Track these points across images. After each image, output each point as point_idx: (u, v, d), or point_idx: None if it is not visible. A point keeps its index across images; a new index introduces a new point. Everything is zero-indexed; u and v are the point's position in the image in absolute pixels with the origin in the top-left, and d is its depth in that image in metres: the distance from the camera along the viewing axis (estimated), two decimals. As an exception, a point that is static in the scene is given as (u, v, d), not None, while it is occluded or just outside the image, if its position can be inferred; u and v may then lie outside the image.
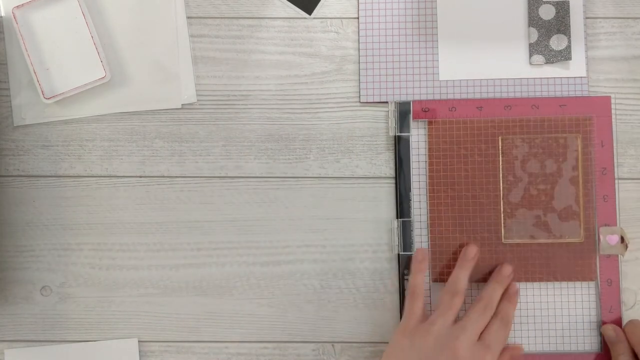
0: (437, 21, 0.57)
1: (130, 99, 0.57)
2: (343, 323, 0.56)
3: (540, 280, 0.55)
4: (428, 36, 0.57)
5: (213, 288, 0.57)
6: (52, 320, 0.57)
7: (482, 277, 0.55)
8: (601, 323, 0.55)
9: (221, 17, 0.58)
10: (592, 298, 0.55)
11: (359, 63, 0.57)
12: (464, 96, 0.57)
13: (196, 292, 0.57)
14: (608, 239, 0.55)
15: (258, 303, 0.56)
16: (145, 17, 0.57)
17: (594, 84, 0.57)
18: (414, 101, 0.56)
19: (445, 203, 0.56)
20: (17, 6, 0.56)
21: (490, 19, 0.57)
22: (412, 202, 0.56)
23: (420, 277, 0.53)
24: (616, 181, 0.56)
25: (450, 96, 0.57)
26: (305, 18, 0.58)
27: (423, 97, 0.57)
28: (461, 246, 0.55)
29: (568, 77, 0.57)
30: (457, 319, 0.50)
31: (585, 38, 0.57)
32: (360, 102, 0.57)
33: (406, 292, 0.53)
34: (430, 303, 0.56)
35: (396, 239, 0.56)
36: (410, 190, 0.56)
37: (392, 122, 0.56)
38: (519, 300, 0.55)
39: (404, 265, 0.56)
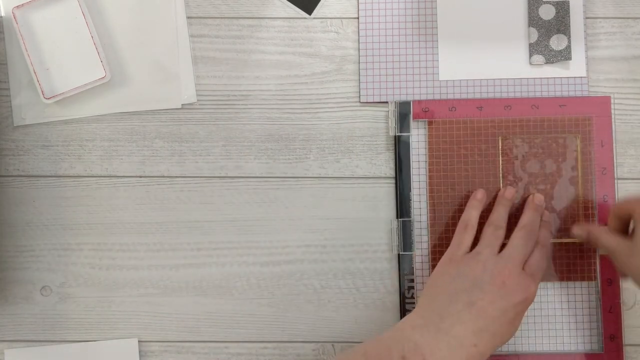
0: (437, 21, 0.57)
1: (130, 99, 0.57)
2: (343, 323, 0.56)
3: (541, 280, 0.55)
4: (428, 36, 0.57)
5: (213, 288, 0.57)
6: (52, 320, 0.57)
7: None
8: (601, 323, 0.55)
9: (221, 17, 0.58)
10: (592, 298, 0.55)
11: (359, 63, 0.57)
12: (464, 96, 0.57)
13: (196, 292, 0.57)
14: (608, 239, 0.55)
15: (258, 303, 0.56)
16: (145, 17, 0.57)
17: (594, 84, 0.57)
18: (414, 101, 0.56)
19: (445, 203, 0.56)
20: (17, 6, 0.56)
21: (490, 19, 0.57)
22: (412, 202, 0.56)
23: (475, 213, 0.53)
24: (616, 181, 0.56)
25: (450, 96, 0.57)
26: (305, 18, 0.58)
27: (423, 97, 0.57)
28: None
29: (568, 77, 0.57)
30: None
31: (585, 38, 0.57)
32: (360, 102, 0.57)
33: (457, 226, 0.53)
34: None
35: (396, 239, 0.56)
36: (410, 190, 0.56)
37: (392, 122, 0.56)
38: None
39: (404, 265, 0.56)
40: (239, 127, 0.57)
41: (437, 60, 0.57)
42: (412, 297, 0.56)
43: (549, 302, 0.55)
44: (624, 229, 0.51)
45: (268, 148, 0.57)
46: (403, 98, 0.57)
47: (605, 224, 0.54)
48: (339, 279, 0.56)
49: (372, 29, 0.57)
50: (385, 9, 0.57)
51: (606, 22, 0.57)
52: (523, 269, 0.49)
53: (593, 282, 0.55)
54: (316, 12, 0.58)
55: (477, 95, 0.57)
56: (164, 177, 0.57)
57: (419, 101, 0.56)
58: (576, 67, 0.57)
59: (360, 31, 0.57)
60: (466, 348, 0.46)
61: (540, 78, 0.57)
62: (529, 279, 0.48)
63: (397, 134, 0.56)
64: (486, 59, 0.57)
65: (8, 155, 0.57)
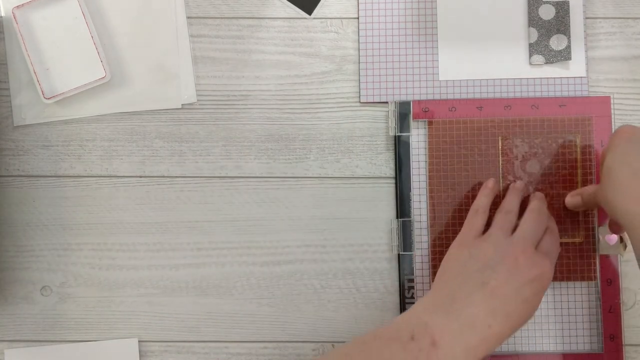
0: (437, 21, 0.57)
1: (130, 99, 0.57)
2: (343, 323, 0.56)
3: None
4: (428, 36, 0.57)
5: (213, 288, 0.57)
6: (52, 320, 0.57)
7: None
8: (601, 323, 0.55)
9: (221, 17, 0.58)
10: (592, 298, 0.55)
11: (359, 63, 0.57)
12: (464, 96, 0.57)
13: (196, 292, 0.57)
14: (607, 239, 0.55)
15: (258, 303, 0.56)
16: (145, 17, 0.57)
17: (593, 84, 0.57)
18: (414, 101, 0.56)
19: (445, 203, 0.56)
20: (17, 6, 0.56)
21: (490, 19, 0.57)
22: (412, 202, 0.56)
23: (486, 200, 0.53)
24: (616, 181, 0.56)
25: (450, 96, 0.57)
26: (305, 18, 0.58)
27: (423, 97, 0.57)
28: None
29: (568, 77, 0.57)
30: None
31: (585, 38, 0.57)
32: (360, 102, 0.57)
33: (469, 212, 0.52)
34: (430, 303, 0.55)
35: (396, 239, 0.56)
36: (410, 190, 0.56)
37: (392, 122, 0.56)
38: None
39: (404, 265, 0.56)
40: (239, 127, 0.57)
41: (437, 60, 0.57)
42: (412, 297, 0.56)
43: (548, 302, 0.55)
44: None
45: (268, 148, 0.57)
46: (403, 98, 0.57)
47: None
48: (339, 279, 0.56)
49: (372, 29, 0.57)
50: (385, 9, 0.57)
51: (606, 22, 0.57)
52: (536, 249, 0.48)
53: (593, 282, 0.55)
54: (316, 12, 0.58)
55: (477, 95, 0.57)
56: (164, 177, 0.57)
57: (419, 101, 0.56)
58: (576, 67, 0.57)
59: (360, 31, 0.57)
60: (479, 329, 0.44)
61: (540, 78, 0.57)
62: (542, 256, 0.47)
63: (397, 134, 0.56)
64: (486, 59, 0.57)
65: (8, 155, 0.57)
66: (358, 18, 0.57)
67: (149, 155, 0.57)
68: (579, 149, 0.55)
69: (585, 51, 0.57)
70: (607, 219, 0.55)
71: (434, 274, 0.55)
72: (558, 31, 0.56)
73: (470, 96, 0.57)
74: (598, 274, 0.55)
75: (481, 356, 0.45)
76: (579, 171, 0.55)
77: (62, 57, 0.56)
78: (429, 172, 0.56)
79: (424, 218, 0.56)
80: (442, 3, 0.57)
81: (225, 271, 0.57)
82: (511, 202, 0.52)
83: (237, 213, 0.57)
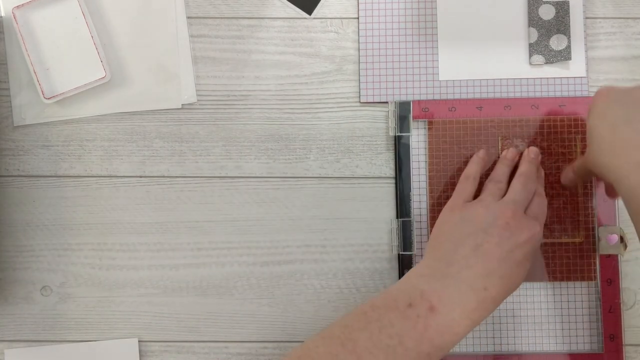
0: (437, 21, 0.57)
1: (130, 99, 0.57)
2: (343, 323, 0.56)
3: (540, 280, 0.55)
4: (428, 36, 0.57)
5: (213, 288, 0.57)
6: (52, 320, 0.57)
7: None
8: (601, 323, 0.55)
9: (221, 17, 0.58)
10: (592, 298, 0.55)
11: (359, 63, 0.57)
12: (464, 96, 0.57)
13: (196, 292, 0.57)
14: (607, 238, 0.55)
15: (258, 303, 0.56)
16: (145, 17, 0.57)
17: (593, 84, 0.57)
18: (413, 101, 0.56)
19: (445, 203, 0.56)
20: (17, 6, 0.56)
21: (490, 19, 0.57)
22: (412, 202, 0.56)
23: (477, 167, 0.53)
24: (616, 181, 0.56)
25: (450, 96, 0.57)
26: (305, 18, 0.58)
27: (423, 97, 0.57)
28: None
29: (568, 77, 0.57)
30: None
31: (585, 38, 0.57)
32: (360, 102, 0.57)
33: (460, 179, 0.53)
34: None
35: (396, 239, 0.56)
36: (410, 190, 0.56)
37: (392, 122, 0.56)
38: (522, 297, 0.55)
39: (404, 265, 0.56)
40: (239, 127, 0.57)
41: (437, 60, 0.57)
42: (412, 297, 0.56)
43: (549, 302, 0.55)
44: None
45: (268, 148, 0.57)
46: (403, 98, 0.57)
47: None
48: (339, 279, 0.56)
49: (372, 29, 0.57)
50: (385, 9, 0.57)
51: (606, 22, 0.57)
52: (525, 213, 0.49)
53: (593, 282, 0.55)
54: (316, 12, 0.58)
55: (477, 95, 0.57)
56: (164, 177, 0.57)
57: (419, 101, 0.56)
58: (576, 67, 0.57)
59: (360, 31, 0.57)
60: (476, 292, 0.44)
61: (540, 78, 0.57)
62: (532, 219, 0.48)
63: (397, 134, 0.56)
64: (486, 59, 0.57)
65: (8, 155, 0.57)
66: (358, 18, 0.57)
67: (149, 155, 0.57)
68: (579, 149, 0.55)
69: (585, 51, 0.57)
70: (607, 219, 0.55)
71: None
72: (558, 31, 0.56)
73: (470, 96, 0.57)
74: (598, 274, 0.55)
75: (479, 320, 0.45)
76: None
77: (62, 57, 0.56)
78: (429, 172, 0.56)
79: (424, 218, 0.56)
80: (442, 3, 0.57)
81: (225, 271, 0.57)
82: (501, 172, 0.53)
83: (237, 213, 0.57)
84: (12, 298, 0.57)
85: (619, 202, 0.55)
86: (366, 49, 0.57)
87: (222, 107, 0.57)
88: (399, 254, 0.56)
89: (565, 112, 0.56)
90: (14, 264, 0.57)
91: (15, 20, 0.55)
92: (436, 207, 0.56)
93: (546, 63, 0.57)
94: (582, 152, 0.55)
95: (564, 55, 0.56)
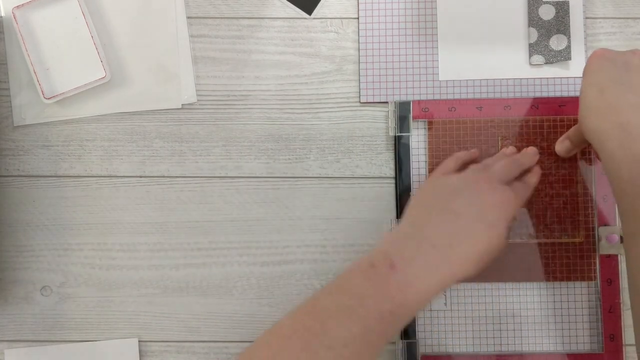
0: (437, 21, 0.57)
1: (130, 99, 0.57)
2: (343, 323, 0.56)
3: (540, 280, 0.55)
4: (428, 36, 0.57)
5: (213, 288, 0.57)
6: (52, 320, 0.57)
7: (487, 277, 0.55)
8: (601, 323, 0.55)
9: (221, 17, 0.58)
10: (592, 298, 0.55)
11: (359, 63, 0.57)
12: (464, 96, 0.57)
13: (196, 292, 0.57)
14: (608, 238, 0.55)
15: (258, 303, 0.56)
16: (145, 17, 0.57)
17: (593, 84, 0.57)
18: (413, 101, 0.56)
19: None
20: (17, 6, 0.56)
21: (490, 19, 0.57)
22: (412, 202, 0.56)
23: (466, 155, 0.53)
24: (616, 181, 0.56)
25: (450, 96, 0.57)
26: (305, 18, 0.58)
27: (423, 97, 0.57)
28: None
29: (568, 77, 0.57)
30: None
31: (585, 38, 0.57)
32: (360, 102, 0.57)
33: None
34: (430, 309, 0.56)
35: (396, 239, 0.56)
36: (410, 190, 0.56)
37: (392, 122, 0.56)
38: (519, 297, 0.55)
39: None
40: (239, 127, 0.57)
41: (437, 60, 0.57)
42: (412, 297, 0.56)
43: (549, 302, 0.55)
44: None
45: (268, 148, 0.57)
46: (403, 98, 0.57)
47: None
48: (339, 279, 0.56)
49: (372, 29, 0.57)
50: (385, 9, 0.57)
51: (606, 22, 0.57)
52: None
53: (593, 282, 0.55)
54: (316, 12, 0.58)
55: (477, 95, 0.57)
56: (164, 177, 0.57)
57: (419, 101, 0.56)
58: (576, 67, 0.57)
59: (360, 31, 0.57)
60: (439, 248, 0.43)
61: (540, 78, 0.57)
62: (509, 192, 0.47)
63: (397, 134, 0.56)
64: (486, 59, 0.57)
65: (8, 155, 0.57)
66: (358, 18, 0.57)
67: (149, 155, 0.57)
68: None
69: (585, 51, 0.57)
70: (607, 219, 0.55)
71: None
72: (558, 31, 0.56)
73: (470, 96, 0.57)
74: (598, 274, 0.55)
75: (447, 279, 0.43)
76: (579, 171, 0.55)
77: (62, 57, 0.56)
78: (429, 172, 0.56)
79: (424, 218, 0.56)
80: (442, 3, 0.57)
81: (226, 271, 0.57)
82: (492, 159, 0.52)
83: (237, 213, 0.57)
84: (12, 298, 0.57)
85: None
86: (366, 49, 0.57)
87: (222, 107, 0.57)
88: (399, 254, 0.56)
89: (565, 112, 0.56)
90: (14, 264, 0.57)
91: (15, 20, 0.55)
92: (436, 207, 0.56)
93: (546, 63, 0.57)
94: (582, 153, 0.55)
95: (564, 55, 0.56)
